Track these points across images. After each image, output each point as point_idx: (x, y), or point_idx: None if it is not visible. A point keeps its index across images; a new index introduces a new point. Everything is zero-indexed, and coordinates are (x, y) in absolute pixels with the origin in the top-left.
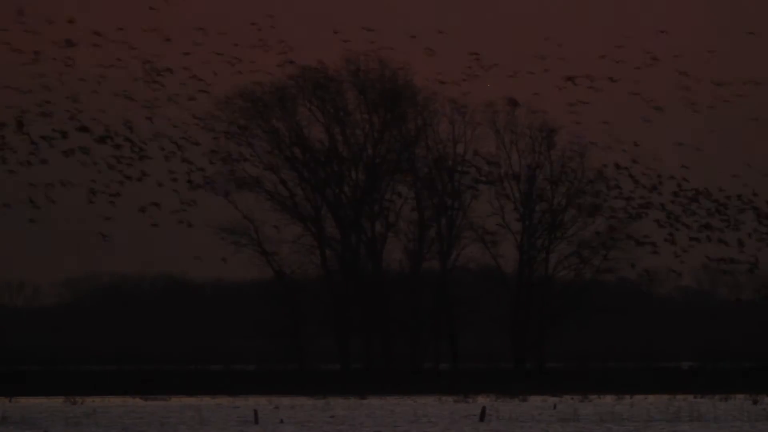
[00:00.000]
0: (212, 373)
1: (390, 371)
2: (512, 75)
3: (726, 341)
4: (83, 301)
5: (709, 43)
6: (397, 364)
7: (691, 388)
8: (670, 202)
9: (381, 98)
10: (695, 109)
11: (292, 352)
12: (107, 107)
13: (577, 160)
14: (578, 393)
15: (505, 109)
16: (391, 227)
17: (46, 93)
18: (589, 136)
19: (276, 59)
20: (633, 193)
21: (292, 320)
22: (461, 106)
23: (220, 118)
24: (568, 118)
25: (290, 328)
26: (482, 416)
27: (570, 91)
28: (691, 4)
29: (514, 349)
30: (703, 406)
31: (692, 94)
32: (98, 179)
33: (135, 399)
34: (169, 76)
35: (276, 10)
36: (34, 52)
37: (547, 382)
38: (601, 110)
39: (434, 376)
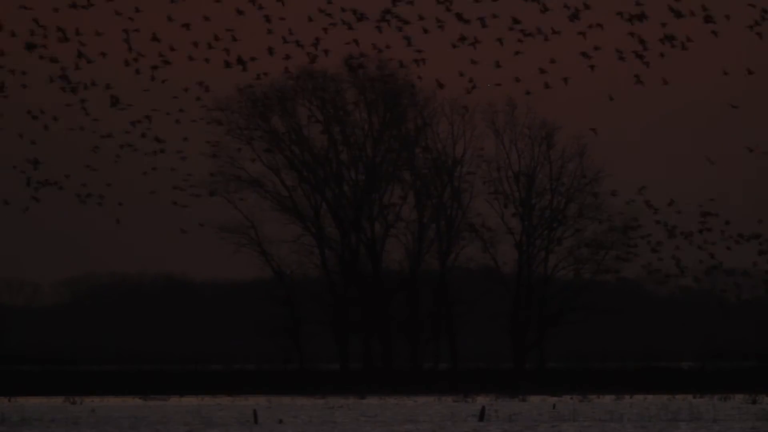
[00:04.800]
0: (212, 373)
1: (389, 371)
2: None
3: (726, 341)
4: (83, 301)
5: None
6: (397, 364)
7: (690, 388)
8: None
9: (381, 98)
10: None
11: (292, 352)
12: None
13: (576, 160)
14: (578, 393)
15: (504, 109)
16: (391, 227)
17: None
18: None
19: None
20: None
21: (292, 320)
22: (461, 106)
23: (220, 117)
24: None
25: (290, 328)
26: (482, 416)
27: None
28: None
29: (513, 349)
30: (703, 406)
31: None
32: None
33: (135, 399)
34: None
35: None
36: None
37: (547, 382)
38: None
39: (434, 376)
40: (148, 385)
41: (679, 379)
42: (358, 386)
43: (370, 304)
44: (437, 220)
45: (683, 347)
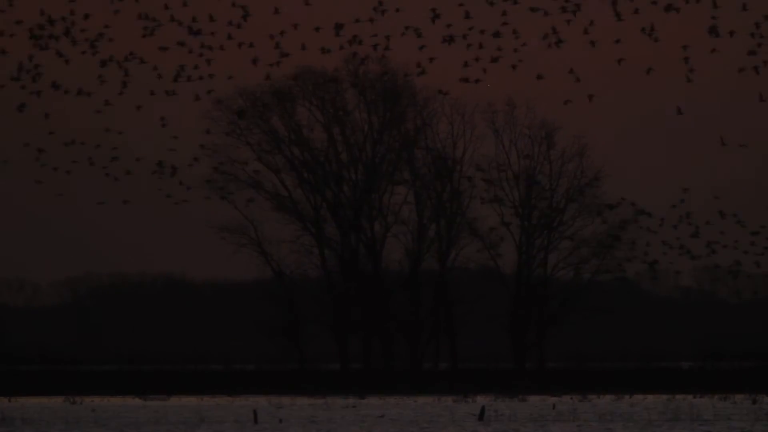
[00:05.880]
0: (212, 373)
1: (390, 371)
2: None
3: (726, 341)
4: (83, 301)
5: None
6: (397, 364)
7: (691, 388)
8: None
9: (381, 98)
10: None
11: (291, 352)
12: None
13: (576, 160)
14: (577, 393)
15: (504, 109)
16: (391, 227)
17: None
18: None
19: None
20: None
21: (292, 320)
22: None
23: (219, 117)
24: None
25: (290, 328)
26: (481, 416)
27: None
28: None
29: (513, 349)
30: (703, 406)
31: None
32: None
33: (135, 399)
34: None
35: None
36: None
37: (547, 382)
38: None
39: (434, 376)
40: (148, 385)
41: (679, 379)
42: (358, 386)
43: (370, 304)
44: (437, 220)
45: (683, 347)
